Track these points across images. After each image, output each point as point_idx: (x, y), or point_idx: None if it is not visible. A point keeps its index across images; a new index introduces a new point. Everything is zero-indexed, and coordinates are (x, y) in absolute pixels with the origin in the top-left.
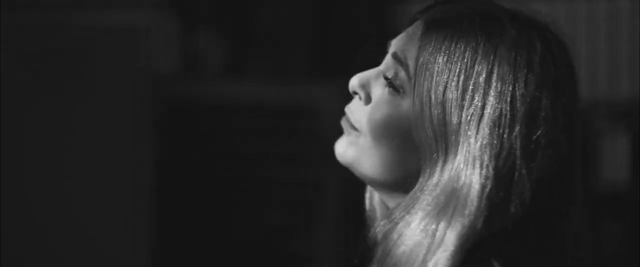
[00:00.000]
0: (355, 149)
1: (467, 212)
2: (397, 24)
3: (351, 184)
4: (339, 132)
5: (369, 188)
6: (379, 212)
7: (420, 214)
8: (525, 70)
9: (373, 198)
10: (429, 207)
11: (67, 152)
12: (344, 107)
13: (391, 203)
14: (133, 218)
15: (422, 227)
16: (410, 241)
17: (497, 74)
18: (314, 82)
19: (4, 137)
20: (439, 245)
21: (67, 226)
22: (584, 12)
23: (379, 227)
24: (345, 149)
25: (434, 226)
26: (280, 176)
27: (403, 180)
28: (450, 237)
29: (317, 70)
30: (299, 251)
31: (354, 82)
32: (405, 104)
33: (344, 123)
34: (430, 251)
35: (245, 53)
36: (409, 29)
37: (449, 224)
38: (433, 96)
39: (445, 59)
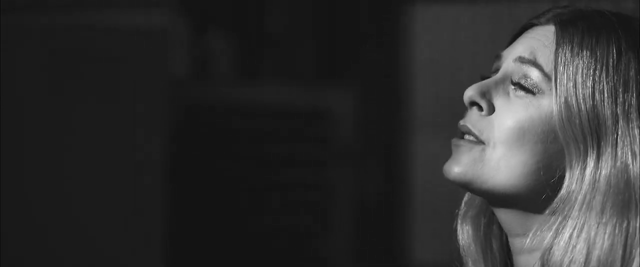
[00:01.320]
0: (481, 165)
1: None
2: (398, 24)
3: (365, 186)
4: (353, 135)
5: (458, 221)
6: (474, 247)
7: (598, 213)
8: None
9: (463, 231)
10: (608, 205)
11: (67, 152)
12: (358, 109)
13: (516, 218)
14: (143, 221)
15: (611, 227)
16: (604, 243)
17: None
18: (326, 84)
19: (4, 137)
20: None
21: (71, 228)
22: None
23: (533, 237)
24: (465, 168)
25: (625, 224)
26: (293, 178)
27: (546, 183)
28: None
29: (326, 71)
30: (316, 252)
31: (472, 92)
32: (544, 103)
33: (459, 140)
34: (628, 249)
35: (253, 55)
36: (529, 34)
37: None
38: (581, 91)
39: (588, 53)
